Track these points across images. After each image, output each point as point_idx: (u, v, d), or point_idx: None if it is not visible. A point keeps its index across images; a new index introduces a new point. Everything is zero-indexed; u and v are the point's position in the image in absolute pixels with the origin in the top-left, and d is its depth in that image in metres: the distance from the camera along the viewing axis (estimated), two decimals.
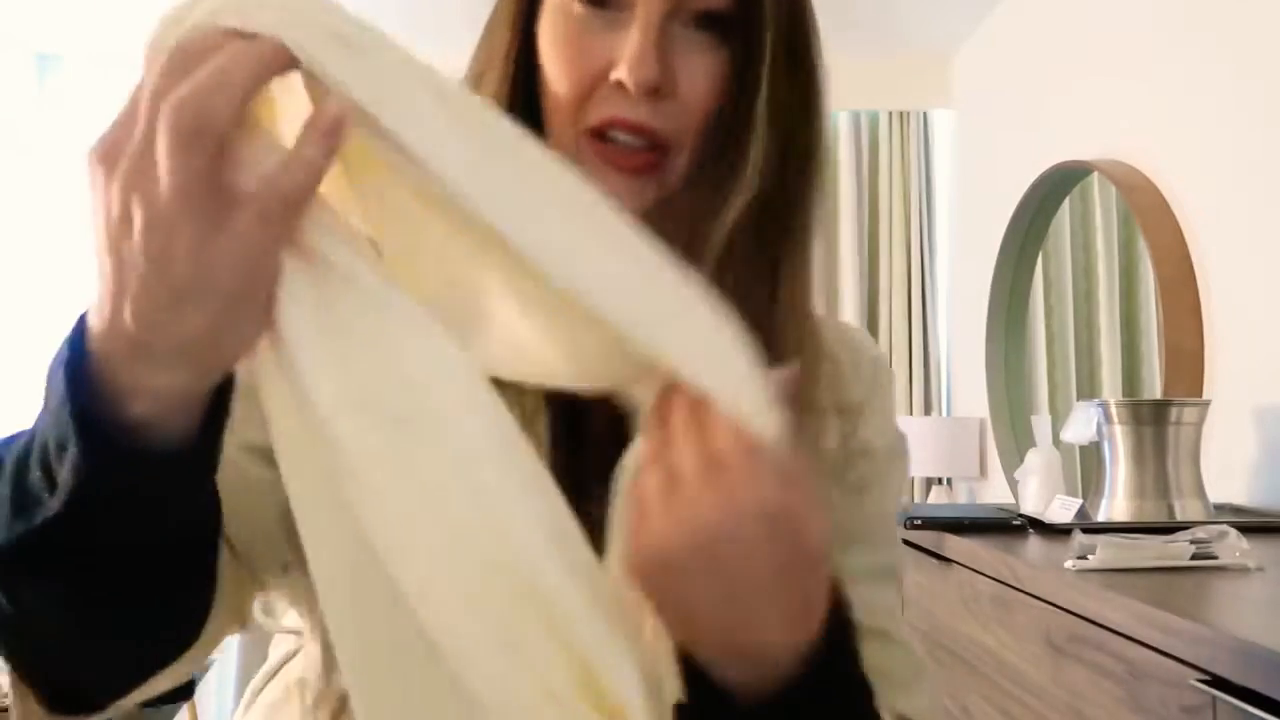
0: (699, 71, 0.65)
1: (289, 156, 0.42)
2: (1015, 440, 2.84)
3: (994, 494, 3.09)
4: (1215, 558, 1.22)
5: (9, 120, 3.39)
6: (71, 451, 0.43)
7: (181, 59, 0.41)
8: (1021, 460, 2.18)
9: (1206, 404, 1.66)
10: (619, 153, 0.64)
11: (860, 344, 0.77)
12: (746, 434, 0.45)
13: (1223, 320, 1.99)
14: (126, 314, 0.42)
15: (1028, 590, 1.28)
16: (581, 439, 0.63)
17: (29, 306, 3.42)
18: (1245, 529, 1.30)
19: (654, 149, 0.64)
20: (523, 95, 0.67)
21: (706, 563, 0.45)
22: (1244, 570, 1.20)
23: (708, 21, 0.65)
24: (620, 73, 0.63)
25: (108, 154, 0.41)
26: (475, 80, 0.70)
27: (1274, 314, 1.83)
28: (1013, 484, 2.67)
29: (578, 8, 0.65)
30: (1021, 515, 1.79)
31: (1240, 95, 1.94)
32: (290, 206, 0.42)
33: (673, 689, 0.48)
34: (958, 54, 3.51)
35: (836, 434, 0.71)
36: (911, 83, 3.59)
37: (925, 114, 3.62)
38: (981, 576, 1.44)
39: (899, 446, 0.76)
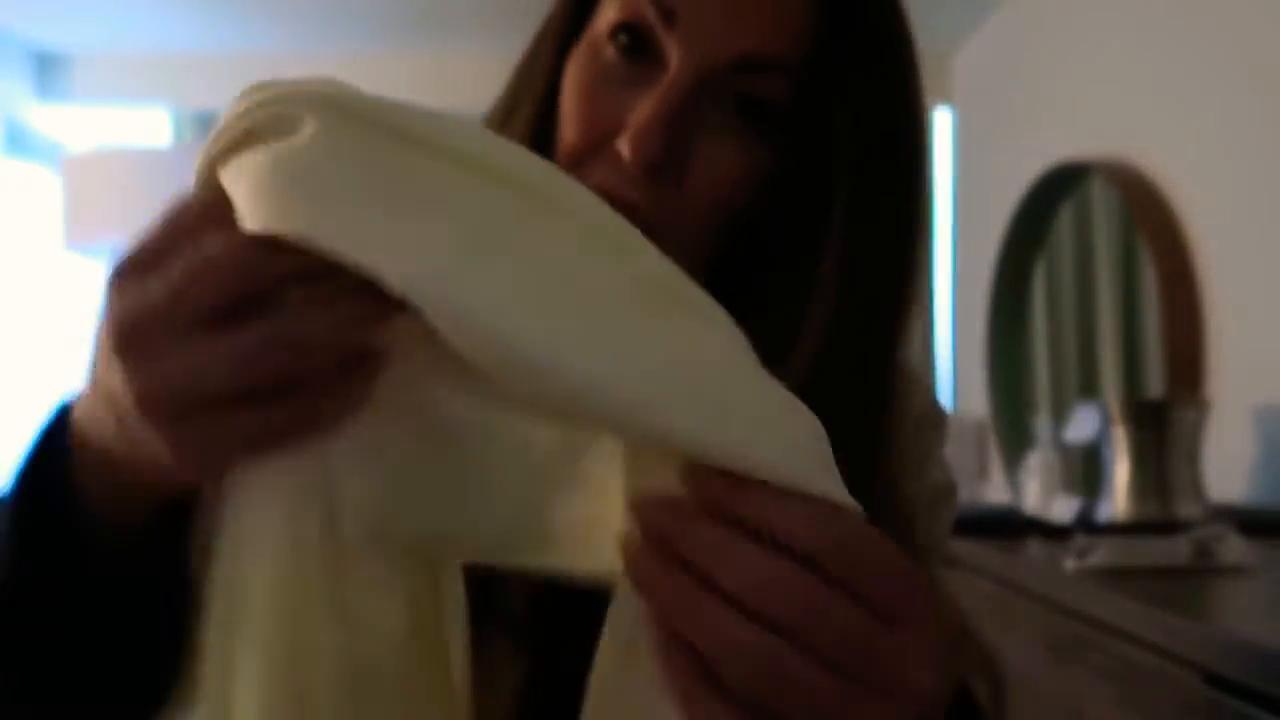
0: (720, 163, 0.54)
1: None
2: (1015, 440, 2.83)
3: (994, 494, 3.09)
4: (1215, 557, 1.22)
5: (9, 120, 3.39)
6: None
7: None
8: (1021, 460, 2.18)
9: (1206, 404, 1.65)
10: None
11: (915, 398, 0.66)
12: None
13: (1223, 320, 1.99)
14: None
15: (1028, 590, 1.28)
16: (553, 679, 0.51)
17: (30, 305, 3.42)
18: (1245, 529, 1.29)
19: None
20: (551, 138, 0.57)
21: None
22: (1244, 570, 1.20)
23: (752, 111, 0.54)
24: (621, 141, 0.53)
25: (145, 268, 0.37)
26: (506, 114, 0.62)
27: (1274, 314, 1.83)
28: (1013, 484, 2.67)
29: (610, 52, 0.55)
30: (1021, 515, 1.79)
31: (1241, 95, 1.94)
32: None
33: None
34: (958, 52, 3.51)
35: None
36: None
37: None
38: (981, 576, 1.44)
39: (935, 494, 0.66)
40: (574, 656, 0.43)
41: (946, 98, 3.59)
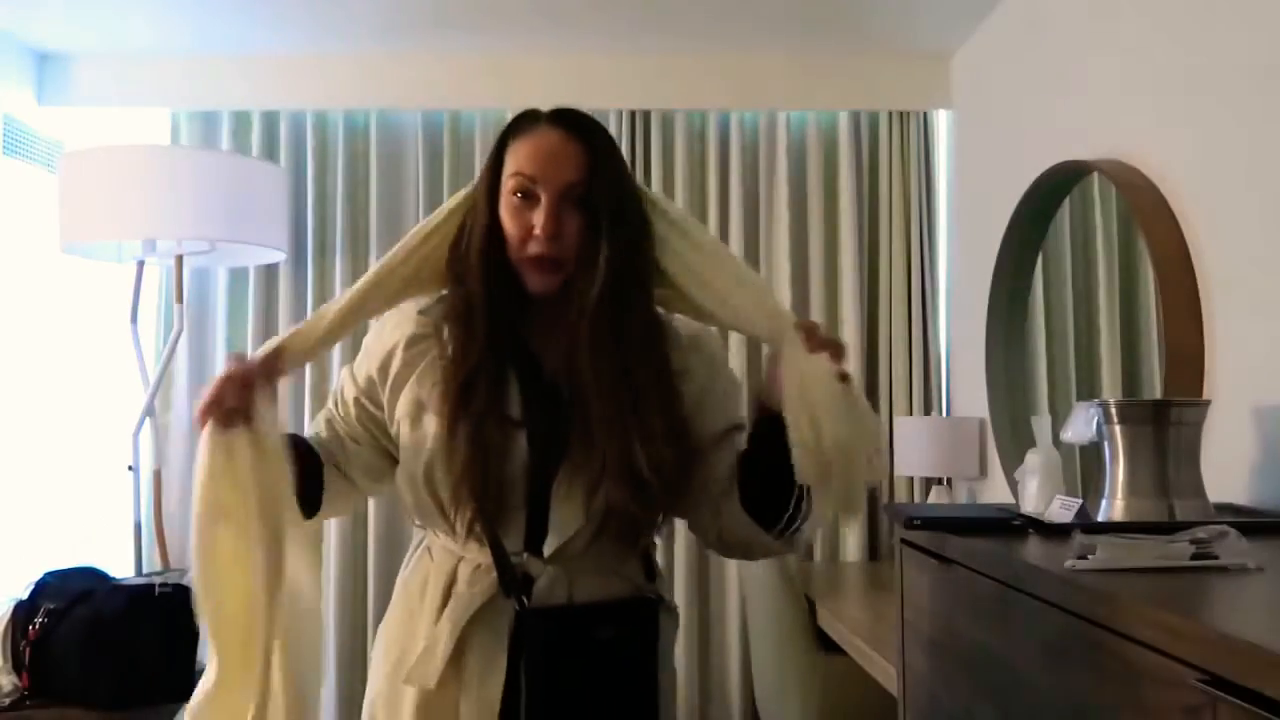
0: (573, 227, 1.34)
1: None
2: (1015, 440, 2.84)
3: (994, 494, 3.10)
4: (1215, 558, 1.22)
5: (9, 120, 3.39)
6: None
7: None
8: (1021, 460, 2.17)
9: (1206, 404, 1.65)
10: (543, 265, 1.35)
11: (703, 341, 1.47)
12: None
13: (1223, 320, 1.99)
14: None
15: (1028, 590, 1.28)
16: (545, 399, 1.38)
17: (30, 303, 3.42)
18: (1245, 529, 1.29)
19: (557, 263, 1.34)
20: (498, 238, 1.37)
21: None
22: (1244, 570, 1.20)
23: (576, 202, 1.34)
24: (537, 232, 1.34)
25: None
26: (468, 235, 1.39)
27: (1274, 314, 1.83)
28: (1013, 484, 2.67)
29: (515, 201, 1.35)
30: (1021, 515, 1.79)
31: (1241, 95, 1.94)
32: None
33: None
34: (958, 54, 3.51)
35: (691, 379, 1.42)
36: (911, 83, 3.59)
37: (925, 114, 3.62)
38: (981, 576, 1.44)
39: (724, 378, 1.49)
40: (555, 442, 1.36)
41: (946, 99, 3.60)
